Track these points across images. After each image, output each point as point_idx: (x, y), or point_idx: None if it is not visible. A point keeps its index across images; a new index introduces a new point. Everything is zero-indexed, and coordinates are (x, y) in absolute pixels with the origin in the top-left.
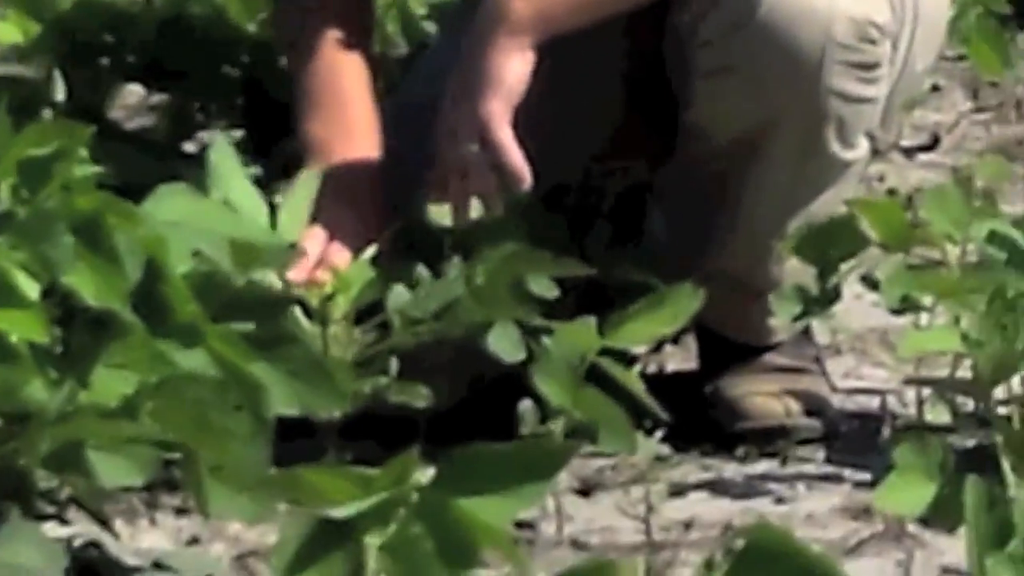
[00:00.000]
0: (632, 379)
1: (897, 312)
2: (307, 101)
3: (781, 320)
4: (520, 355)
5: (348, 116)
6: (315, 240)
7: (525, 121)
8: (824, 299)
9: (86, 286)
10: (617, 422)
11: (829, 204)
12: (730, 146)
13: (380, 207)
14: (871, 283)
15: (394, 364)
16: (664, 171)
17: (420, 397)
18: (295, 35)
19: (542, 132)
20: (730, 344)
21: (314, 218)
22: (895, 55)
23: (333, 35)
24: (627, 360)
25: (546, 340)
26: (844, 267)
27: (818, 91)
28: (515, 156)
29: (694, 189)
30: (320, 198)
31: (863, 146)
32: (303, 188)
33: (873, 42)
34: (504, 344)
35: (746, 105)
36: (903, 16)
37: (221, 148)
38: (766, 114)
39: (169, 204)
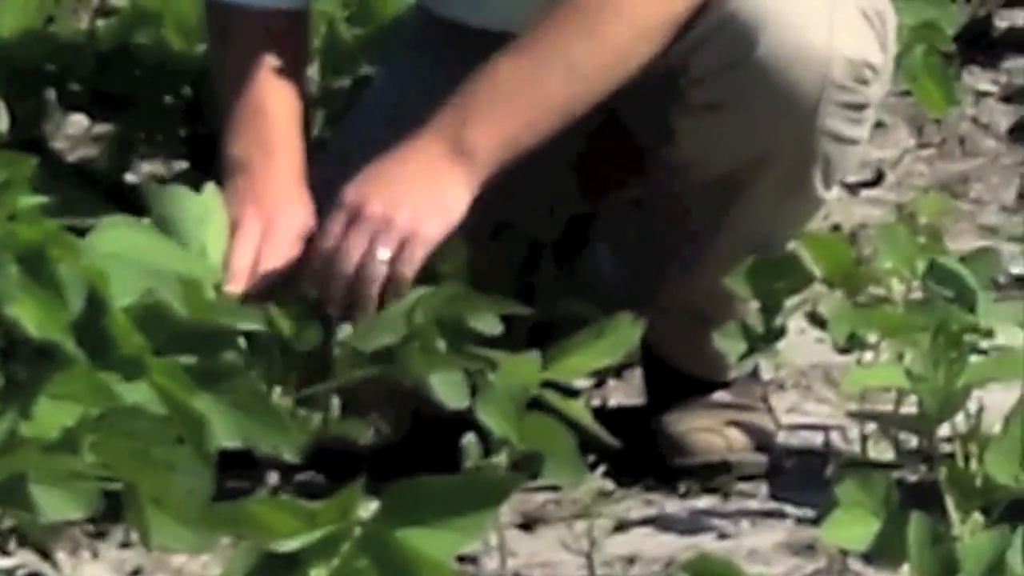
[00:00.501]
0: (577, 408)
1: (843, 350)
2: (230, 124)
3: (728, 355)
4: (464, 402)
5: (271, 137)
6: (244, 252)
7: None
8: (769, 335)
9: (29, 317)
10: (564, 452)
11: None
12: (713, 182)
13: (306, 214)
14: (817, 320)
15: (336, 400)
16: (617, 203)
17: (362, 433)
18: (223, 61)
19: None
20: (681, 378)
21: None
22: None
23: (261, 61)
24: (572, 395)
25: (490, 374)
26: (789, 303)
27: (812, 130)
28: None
29: (657, 222)
30: (240, 209)
31: (834, 190)
32: (214, 204)
33: (866, 83)
34: (448, 391)
35: (736, 142)
36: (888, 56)
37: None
38: (756, 151)
39: (112, 236)
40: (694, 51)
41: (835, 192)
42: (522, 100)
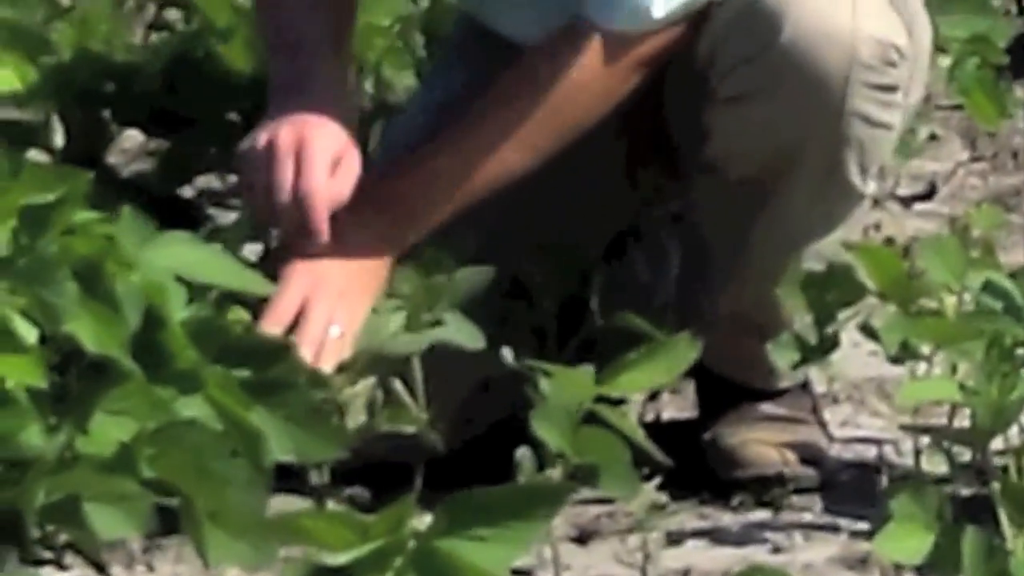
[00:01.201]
0: (630, 425)
1: (895, 360)
2: (276, 65)
3: (781, 367)
4: (479, 343)
5: (313, 66)
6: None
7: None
8: (822, 347)
9: (86, 333)
10: (619, 464)
11: (832, 249)
12: (750, 176)
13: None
14: (869, 332)
15: (380, 395)
16: (657, 215)
17: (411, 422)
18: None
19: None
20: (732, 388)
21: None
22: (909, 80)
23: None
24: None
25: (543, 386)
26: (842, 315)
27: (842, 112)
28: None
29: (700, 231)
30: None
31: (872, 184)
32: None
33: (894, 64)
34: (462, 333)
35: (769, 131)
36: (914, 43)
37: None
38: (789, 138)
39: (168, 251)
40: (719, 45)
41: (873, 187)
42: (457, 192)
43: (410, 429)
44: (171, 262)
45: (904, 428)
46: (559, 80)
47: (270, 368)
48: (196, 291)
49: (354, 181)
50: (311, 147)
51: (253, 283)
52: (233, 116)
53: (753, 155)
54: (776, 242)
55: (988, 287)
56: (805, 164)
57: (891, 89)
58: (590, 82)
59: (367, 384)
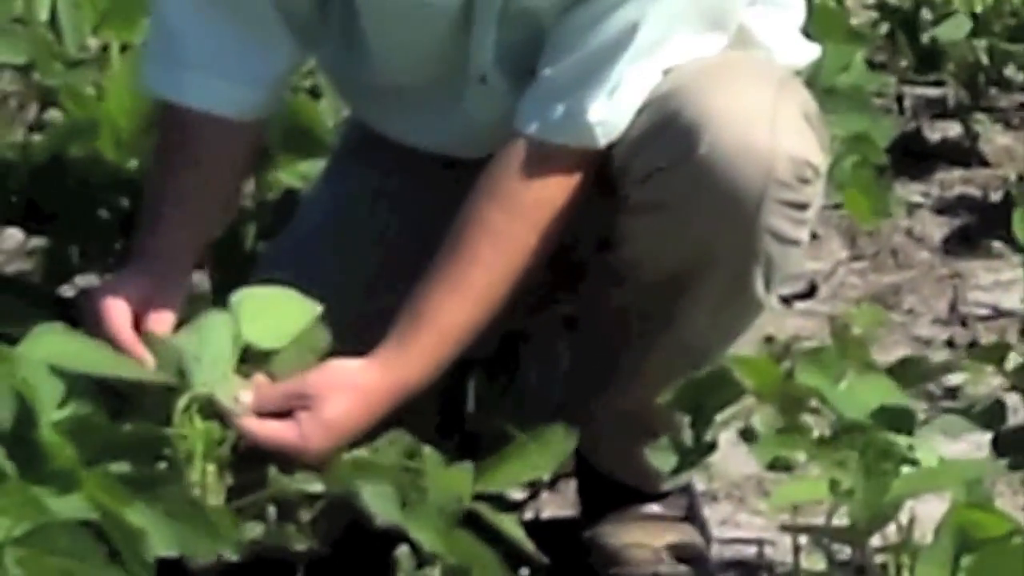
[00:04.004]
0: (508, 523)
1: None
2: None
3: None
4: (395, 515)
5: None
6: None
7: None
8: (699, 450)
9: None
10: (490, 567)
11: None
12: (657, 284)
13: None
14: (748, 436)
15: (272, 509)
16: (550, 321)
17: (299, 542)
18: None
19: None
20: (615, 488)
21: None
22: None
23: (198, 165)
24: (506, 507)
25: (422, 483)
26: (723, 415)
27: (755, 229)
28: None
29: (594, 336)
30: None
31: (773, 297)
32: None
33: (808, 182)
34: (379, 503)
35: (679, 241)
36: (825, 158)
37: None
38: (700, 250)
39: (44, 344)
40: (637, 152)
41: (773, 300)
42: (455, 328)
43: (299, 547)
44: (47, 354)
45: (783, 528)
46: (542, 204)
47: (151, 463)
48: (76, 385)
49: (170, 323)
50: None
51: (131, 370)
52: (104, 213)
53: (662, 263)
54: (677, 351)
55: (868, 395)
56: (714, 275)
57: (803, 207)
58: (566, 198)
59: (260, 498)
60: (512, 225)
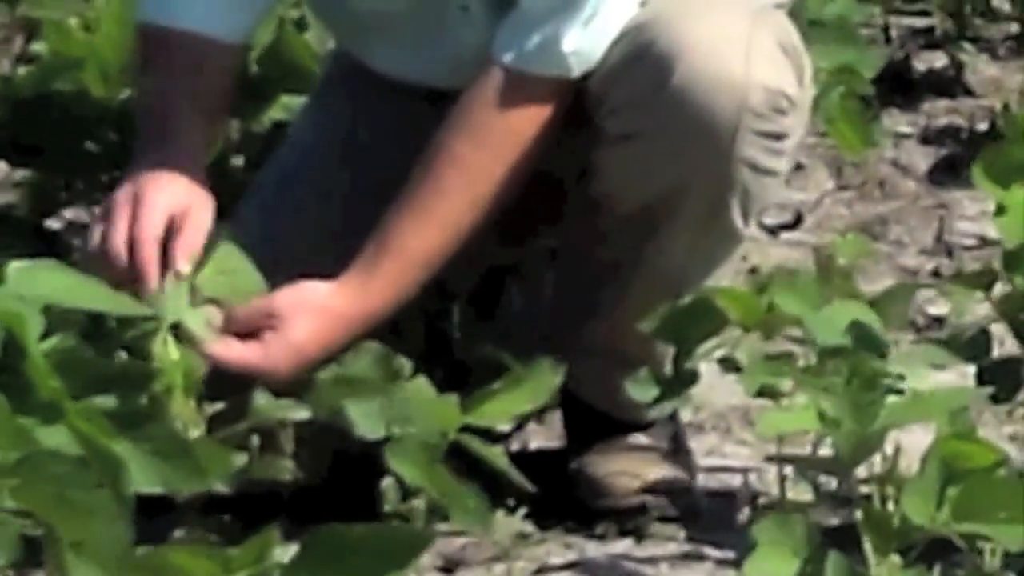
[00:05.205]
0: (495, 454)
1: (759, 394)
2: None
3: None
4: (381, 432)
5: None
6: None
7: None
8: (681, 381)
9: None
10: (469, 501)
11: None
12: (633, 216)
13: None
14: (731, 365)
15: (255, 439)
16: (534, 252)
17: (285, 472)
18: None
19: None
20: (600, 419)
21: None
22: (797, 127)
23: (184, 86)
24: (492, 438)
25: (408, 415)
26: (707, 346)
27: (730, 158)
28: None
29: (576, 267)
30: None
31: (752, 226)
32: None
33: (783, 113)
34: (365, 421)
35: (655, 171)
36: (803, 89)
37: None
38: (675, 180)
39: (31, 279)
40: (612, 82)
41: (753, 230)
42: (420, 255)
43: (285, 477)
44: (38, 289)
45: (769, 458)
46: (511, 135)
47: (136, 398)
48: (63, 319)
49: (204, 235)
50: (145, 202)
51: (123, 306)
52: (91, 146)
53: (638, 194)
54: (656, 280)
55: (847, 320)
56: (690, 206)
57: (779, 137)
58: (536, 129)
59: (242, 428)
60: (479, 155)
